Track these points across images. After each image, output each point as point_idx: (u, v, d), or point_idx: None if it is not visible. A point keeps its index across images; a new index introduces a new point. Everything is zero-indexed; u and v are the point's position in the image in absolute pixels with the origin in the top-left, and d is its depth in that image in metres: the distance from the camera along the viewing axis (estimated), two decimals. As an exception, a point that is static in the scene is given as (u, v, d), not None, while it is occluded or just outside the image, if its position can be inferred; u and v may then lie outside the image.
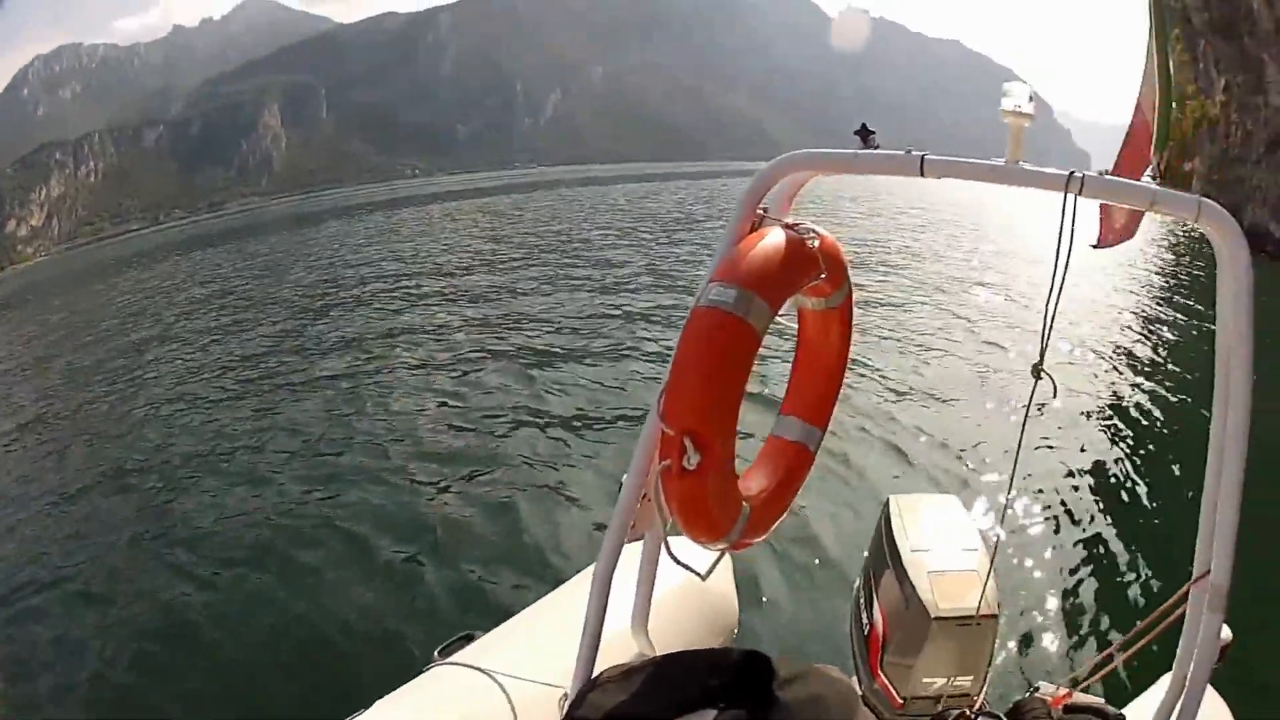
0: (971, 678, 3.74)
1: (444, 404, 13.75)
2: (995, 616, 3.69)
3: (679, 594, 3.61)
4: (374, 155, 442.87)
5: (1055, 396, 2.11)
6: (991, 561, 3.53)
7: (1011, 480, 2.51)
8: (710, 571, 2.62)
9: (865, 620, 4.25)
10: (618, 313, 20.77)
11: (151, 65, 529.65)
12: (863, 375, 14.19)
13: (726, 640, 4.01)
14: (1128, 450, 11.73)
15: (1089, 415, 13.12)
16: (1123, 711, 2.14)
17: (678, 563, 2.41)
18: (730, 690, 2.20)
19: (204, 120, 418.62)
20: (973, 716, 1.92)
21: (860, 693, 3.99)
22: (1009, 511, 9.15)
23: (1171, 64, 2.30)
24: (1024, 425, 2.47)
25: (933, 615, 3.67)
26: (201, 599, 8.10)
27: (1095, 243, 2.45)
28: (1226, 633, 2.23)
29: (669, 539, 2.41)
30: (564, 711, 2.32)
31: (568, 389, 14.28)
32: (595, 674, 2.38)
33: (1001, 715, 1.93)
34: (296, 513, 9.77)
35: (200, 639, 7.45)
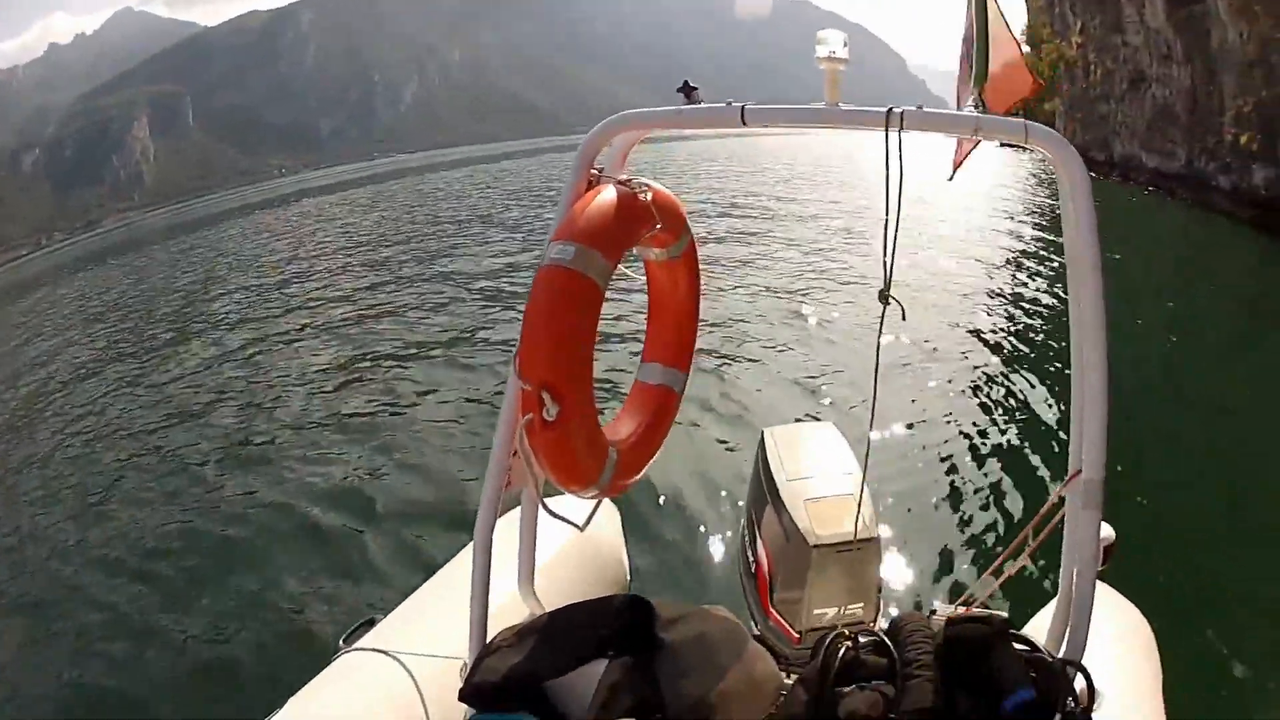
0: (862, 604, 3.73)
1: (334, 392, 13.56)
2: (875, 539, 3.69)
3: (569, 553, 3.60)
4: (241, 159, 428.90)
5: (905, 319, 2.18)
6: (863, 485, 3.54)
7: (873, 403, 2.53)
8: (588, 522, 2.69)
9: (751, 558, 4.22)
10: (496, 281, 20.92)
11: (29, 86, 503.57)
12: (727, 318, 14.48)
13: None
14: (999, 364, 12.13)
15: (957, 334, 13.49)
16: (1015, 619, 2.15)
17: (554, 515, 2.44)
18: (617, 638, 2.21)
19: (77, 139, 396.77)
20: (852, 636, 1.91)
21: (757, 632, 3.99)
22: (888, 434, 9.29)
23: (996, 4, 2.35)
24: (878, 348, 2.51)
25: (812, 544, 3.64)
26: (106, 610, 7.80)
27: (950, 176, 2.53)
28: (1108, 531, 2.28)
29: (548, 497, 2.44)
30: (463, 680, 2.30)
31: (454, 360, 14.23)
32: (490, 639, 2.36)
33: (879, 632, 1.92)
34: (193, 518, 9.48)
35: (106, 650, 7.16)
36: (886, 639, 1.90)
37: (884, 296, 2.32)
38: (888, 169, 2.11)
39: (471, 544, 2.55)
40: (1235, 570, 6.93)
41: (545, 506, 2.43)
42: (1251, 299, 16.48)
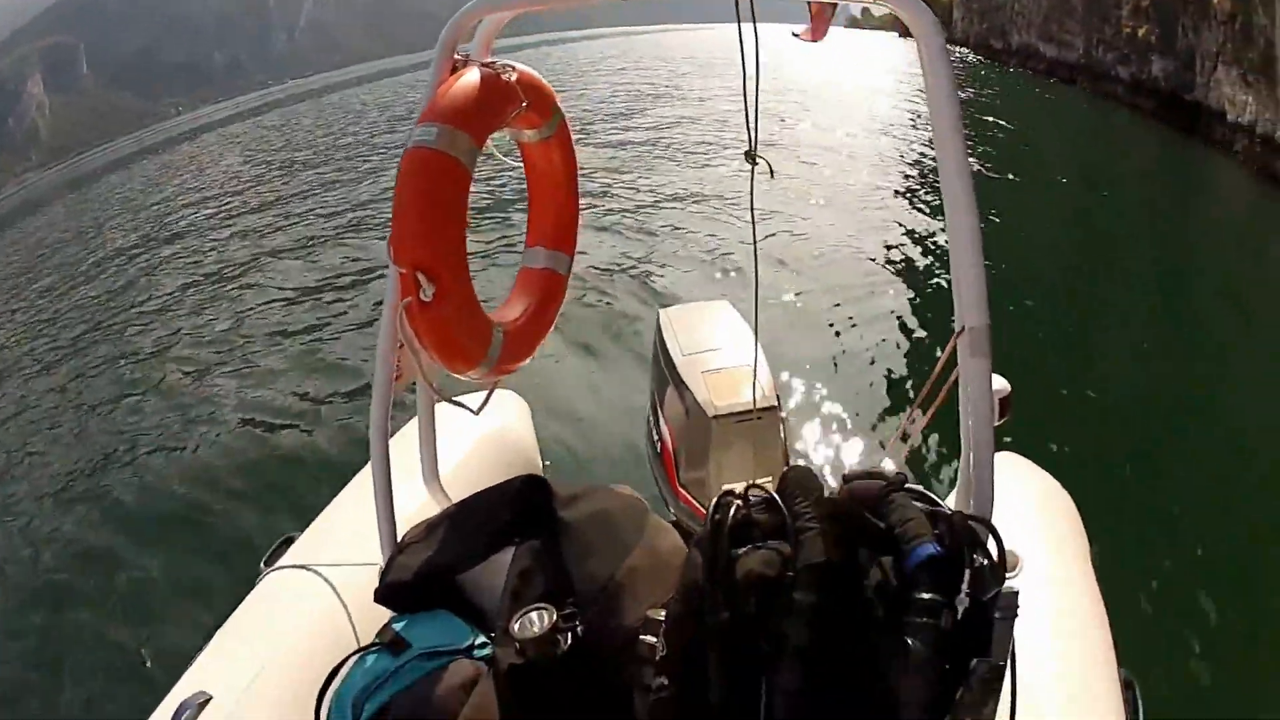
0: (771, 478, 3.59)
1: (242, 299, 13.70)
2: (775, 407, 3.70)
3: (480, 450, 3.59)
4: (138, 103, 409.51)
5: (773, 177, 2.20)
6: (756, 351, 3.51)
7: (755, 264, 2.61)
8: (484, 406, 2.74)
9: (657, 439, 4.23)
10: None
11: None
12: (611, 201, 14.77)
13: None
14: (892, 228, 12.24)
15: (844, 202, 13.60)
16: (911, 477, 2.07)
17: (448, 401, 2.53)
18: (520, 521, 2.18)
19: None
20: (742, 495, 1.88)
21: (672, 516, 3.99)
22: (784, 303, 9.34)
23: None
24: (752, 207, 2.48)
25: (710, 415, 3.65)
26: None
27: (801, 35, 2.44)
28: (1002, 383, 2.26)
29: (442, 390, 2.48)
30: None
31: (364, 269, 14.15)
32: (401, 537, 2.33)
33: (769, 490, 1.88)
34: (102, 453, 9.41)
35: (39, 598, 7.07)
36: (776, 496, 1.82)
37: (750, 156, 2.34)
38: (739, 25, 2.13)
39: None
40: (1154, 445, 7.23)
41: (436, 391, 2.44)
42: (1151, 191, 16.76)
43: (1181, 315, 10.01)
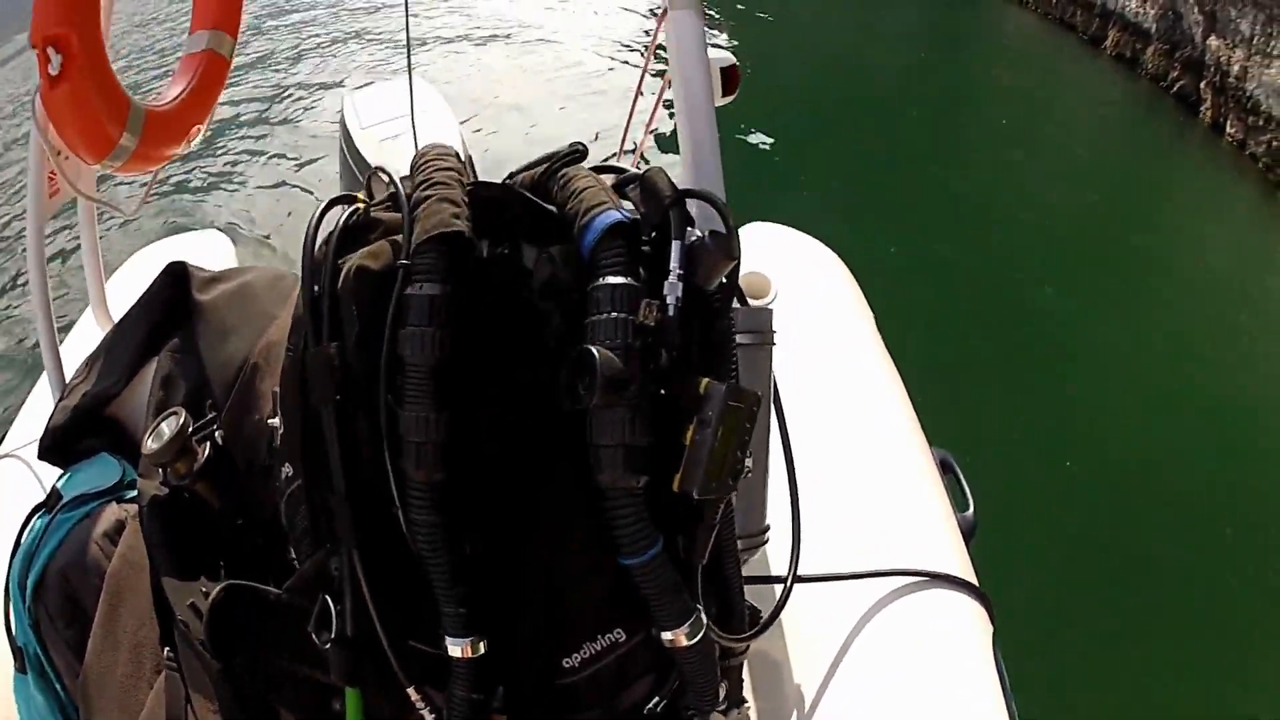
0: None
1: None
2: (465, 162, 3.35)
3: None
4: None
5: None
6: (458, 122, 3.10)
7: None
8: (140, 207, 2.46)
9: None
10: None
11: None
12: None
13: None
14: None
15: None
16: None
17: (96, 200, 2.23)
18: (165, 321, 1.74)
19: None
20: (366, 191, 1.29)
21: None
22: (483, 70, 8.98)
23: None
24: None
25: (387, 179, 3.28)
26: None
27: None
28: (723, 54, 1.64)
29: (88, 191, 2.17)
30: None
31: None
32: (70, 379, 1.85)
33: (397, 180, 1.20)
34: None
35: None
36: (399, 183, 1.16)
37: None
38: None
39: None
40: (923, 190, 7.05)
41: (82, 192, 2.12)
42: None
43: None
